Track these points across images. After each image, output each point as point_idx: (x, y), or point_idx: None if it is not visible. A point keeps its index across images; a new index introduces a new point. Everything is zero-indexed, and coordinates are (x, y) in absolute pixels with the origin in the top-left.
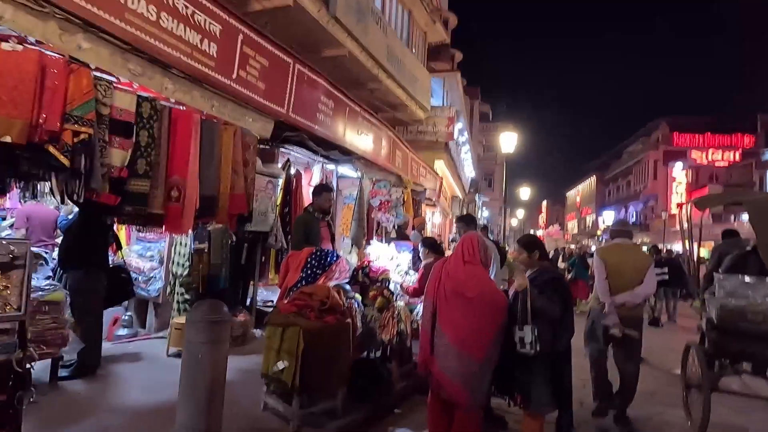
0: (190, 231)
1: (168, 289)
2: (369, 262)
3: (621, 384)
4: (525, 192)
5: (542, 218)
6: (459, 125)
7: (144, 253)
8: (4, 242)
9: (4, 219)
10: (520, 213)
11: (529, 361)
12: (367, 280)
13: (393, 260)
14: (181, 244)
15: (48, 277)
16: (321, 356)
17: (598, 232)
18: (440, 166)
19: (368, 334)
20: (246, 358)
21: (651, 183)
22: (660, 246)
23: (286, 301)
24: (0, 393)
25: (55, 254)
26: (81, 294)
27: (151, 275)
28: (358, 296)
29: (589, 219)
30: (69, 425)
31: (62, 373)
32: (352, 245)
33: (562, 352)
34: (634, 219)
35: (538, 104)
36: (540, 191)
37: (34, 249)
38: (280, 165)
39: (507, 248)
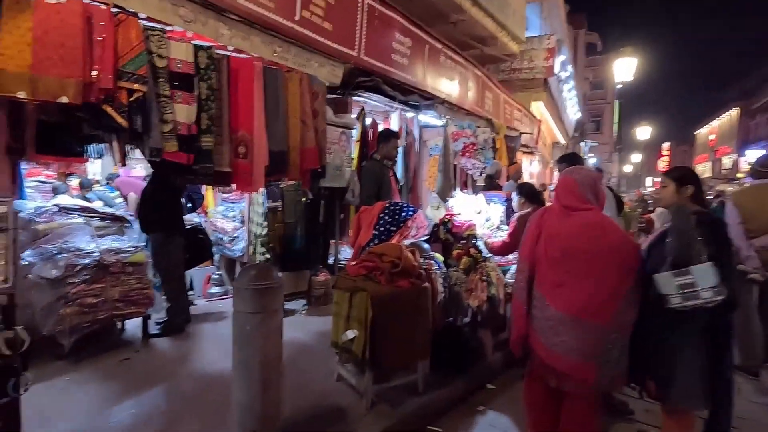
0: (262, 189)
1: (251, 249)
2: (452, 216)
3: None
4: (643, 132)
5: (662, 162)
6: (561, 58)
7: (227, 214)
8: None
9: (114, 190)
10: (636, 158)
11: (670, 332)
12: (450, 237)
13: (481, 214)
14: (258, 203)
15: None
16: (393, 325)
17: (740, 174)
18: (538, 107)
19: (453, 300)
20: (325, 319)
21: None
22: None
23: (354, 263)
24: None
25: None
26: (161, 256)
27: (235, 235)
28: (438, 256)
29: (727, 160)
30: (154, 385)
31: (153, 330)
32: (438, 199)
33: (721, 322)
34: None
35: (658, 26)
36: (660, 132)
37: (119, 212)
38: (354, 115)
39: (623, 196)
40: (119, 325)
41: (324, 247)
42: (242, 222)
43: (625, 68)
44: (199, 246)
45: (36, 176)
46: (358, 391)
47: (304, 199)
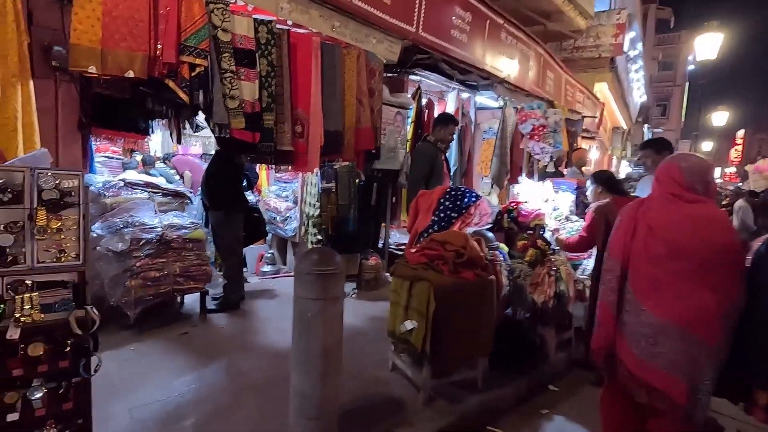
0: (316, 170)
1: (302, 230)
2: (518, 204)
3: None
4: (719, 117)
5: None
6: (631, 35)
7: (280, 194)
8: (49, 173)
9: (171, 168)
10: (707, 146)
11: None
12: (514, 226)
13: (548, 203)
14: (311, 183)
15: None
16: (456, 318)
17: None
18: (602, 89)
19: (516, 294)
20: (376, 304)
21: None
22: None
23: (414, 250)
24: (61, 359)
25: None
26: (222, 234)
27: (287, 215)
28: (503, 247)
29: None
30: (212, 360)
31: (210, 306)
32: (492, 185)
33: None
34: None
35: (741, 1)
36: (736, 119)
37: (180, 189)
38: (409, 94)
39: None
40: (178, 299)
41: (375, 230)
42: (295, 202)
43: (708, 45)
44: (254, 224)
45: (104, 152)
46: (414, 383)
47: (357, 181)
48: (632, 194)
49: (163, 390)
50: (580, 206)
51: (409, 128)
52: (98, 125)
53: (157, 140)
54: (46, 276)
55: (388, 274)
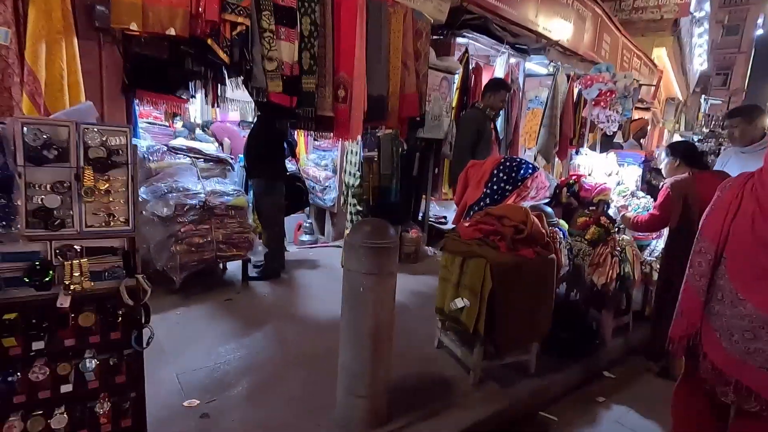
0: (358, 137)
1: (341, 200)
2: (579, 177)
3: None
4: None
5: None
6: None
7: (319, 162)
8: (95, 129)
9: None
10: None
11: None
12: (574, 201)
13: (611, 177)
14: (351, 152)
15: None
16: (514, 299)
17: None
18: (660, 55)
19: (574, 274)
20: (417, 278)
21: None
22: None
23: (467, 224)
24: (112, 330)
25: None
26: (263, 202)
27: (326, 184)
28: (563, 223)
29: None
30: (256, 328)
31: (252, 273)
32: (535, 158)
33: None
34: None
35: None
36: None
37: (221, 155)
38: (456, 58)
39: None
40: (221, 266)
41: (415, 202)
42: (334, 171)
43: None
44: (296, 194)
45: (146, 117)
46: (463, 363)
47: (400, 150)
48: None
49: (209, 356)
50: (651, 181)
51: (455, 95)
52: (141, 88)
53: (197, 107)
54: (94, 241)
55: (428, 248)
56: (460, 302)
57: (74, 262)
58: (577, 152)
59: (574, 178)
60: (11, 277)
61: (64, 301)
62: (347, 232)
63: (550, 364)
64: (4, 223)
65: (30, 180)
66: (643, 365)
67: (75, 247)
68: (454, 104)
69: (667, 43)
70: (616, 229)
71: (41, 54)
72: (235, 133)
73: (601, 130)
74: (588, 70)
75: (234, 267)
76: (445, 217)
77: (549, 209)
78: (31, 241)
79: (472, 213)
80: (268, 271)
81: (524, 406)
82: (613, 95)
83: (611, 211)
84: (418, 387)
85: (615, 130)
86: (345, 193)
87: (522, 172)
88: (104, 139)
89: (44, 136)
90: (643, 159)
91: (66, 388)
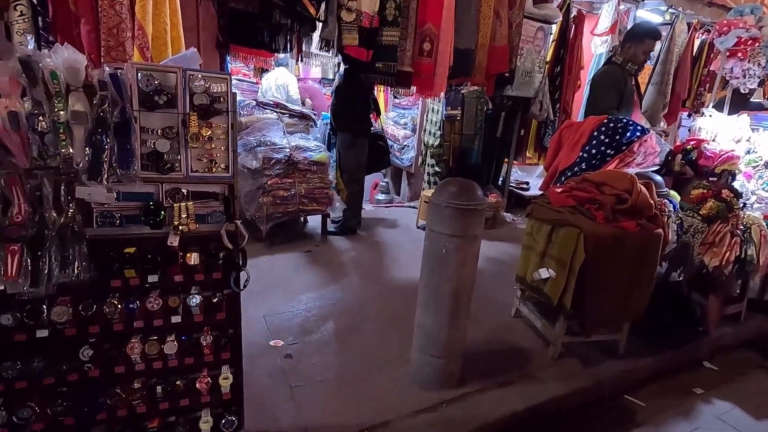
0: (442, 94)
1: (419, 160)
2: (699, 142)
3: None
4: None
5: None
6: None
7: (398, 120)
8: (199, 75)
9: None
10: None
11: None
12: (689, 170)
13: (740, 143)
14: (432, 110)
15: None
16: (609, 275)
17: None
18: None
19: (680, 252)
20: (494, 244)
21: None
22: None
23: (558, 189)
24: (214, 270)
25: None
26: (346, 158)
27: (405, 144)
28: (674, 194)
29: None
30: (334, 280)
31: (330, 228)
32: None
33: None
34: None
35: None
36: None
37: (305, 110)
38: (555, 4)
39: None
40: (302, 219)
41: (497, 165)
42: (413, 130)
43: None
44: (378, 152)
45: (236, 74)
46: (542, 335)
47: (485, 109)
48: None
49: (292, 302)
50: None
51: (550, 48)
52: (234, 44)
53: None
54: (199, 186)
55: (507, 214)
56: (544, 272)
57: (182, 204)
58: (689, 115)
59: (693, 143)
60: (130, 215)
61: (173, 240)
62: (423, 192)
63: (641, 348)
64: (124, 164)
65: (143, 125)
66: (756, 361)
67: (182, 190)
68: (548, 58)
69: None
70: (742, 204)
71: (149, 9)
72: (317, 92)
73: (734, 87)
74: (717, 17)
75: (314, 221)
76: (527, 183)
77: (659, 178)
78: (145, 182)
79: (563, 179)
80: (346, 227)
81: (609, 387)
82: (756, 44)
83: (737, 184)
84: (492, 354)
85: (753, 87)
86: (423, 153)
87: (628, 134)
88: (207, 85)
89: (155, 82)
90: None
91: (176, 319)
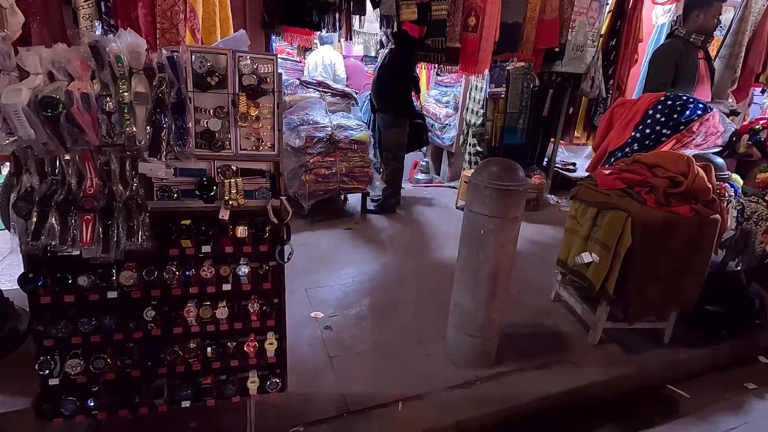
0: (486, 71)
1: (461, 139)
2: (767, 121)
3: None
4: None
5: None
6: None
7: (440, 99)
8: (247, 57)
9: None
10: None
11: None
12: (757, 152)
13: None
14: (476, 88)
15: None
16: (658, 262)
17: None
18: None
19: (740, 240)
20: (536, 227)
21: None
22: None
23: (606, 171)
24: (260, 243)
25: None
26: (387, 138)
27: (446, 122)
28: (736, 178)
29: None
30: (373, 257)
31: (370, 206)
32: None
33: None
34: None
35: None
36: None
37: (346, 89)
38: None
39: None
40: (342, 197)
41: (542, 145)
42: (455, 109)
43: None
44: (417, 131)
45: (279, 53)
46: (582, 320)
47: (531, 86)
48: None
49: (332, 277)
50: None
51: (605, 19)
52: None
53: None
54: (247, 163)
55: (551, 196)
56: (587, 257)
57: (231, 180)
58: (762, 91)
59: (762, 122)
60: (186, 189)
61: (224, 214)
62: (464, 172)
63: (690, 338)
64: (180, 142)
65: (197, 105)
66: None
67: (232, 167)
68: (603, 31)
69: None
70: None
71: None
72: (359, 69)
73: None
74: None
75: (354, 199)
76: (574, 164)
77: (720, 160)
78: (199, 159)
79: (613, 160)
80: (386, 205)
81: (652, 377)
82: None
83: None
84: (529, 337)
85: None
86: (465, 132)
87: (688, 113)
88: (255, 66)
89: (208, 64)
90: None
91: (226, 287)
